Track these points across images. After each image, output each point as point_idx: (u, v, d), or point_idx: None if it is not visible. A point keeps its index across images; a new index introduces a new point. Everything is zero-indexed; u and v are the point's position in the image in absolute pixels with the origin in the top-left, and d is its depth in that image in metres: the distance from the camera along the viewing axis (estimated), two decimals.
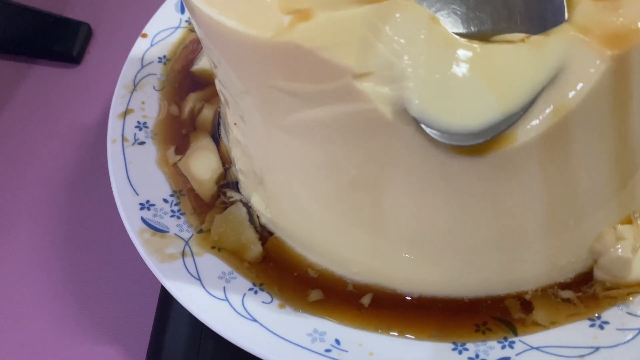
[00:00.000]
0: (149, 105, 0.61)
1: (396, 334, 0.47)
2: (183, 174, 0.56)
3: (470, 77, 0.39)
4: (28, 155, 0.69)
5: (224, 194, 0.55)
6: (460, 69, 0.40)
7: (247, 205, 0.54)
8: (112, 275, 0.60)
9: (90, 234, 0.62)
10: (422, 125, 0.39)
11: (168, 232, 0.52)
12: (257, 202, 0.53)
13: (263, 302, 0.49)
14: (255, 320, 0.47)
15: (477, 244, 0.46)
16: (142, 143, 0.58)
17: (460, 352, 0.45)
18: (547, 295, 0.47)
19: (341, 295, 0.49)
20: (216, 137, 0.59)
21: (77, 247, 0.62)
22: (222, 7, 0.42)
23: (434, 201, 0.44)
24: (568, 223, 0.46)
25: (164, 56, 0.64)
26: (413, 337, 0.46)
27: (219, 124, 0.60)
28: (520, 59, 0.40)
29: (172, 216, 0.54)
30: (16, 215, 0.64)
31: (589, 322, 0.46)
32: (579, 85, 0.40)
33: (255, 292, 0.49)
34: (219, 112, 0.60)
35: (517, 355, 0.45)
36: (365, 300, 0.49)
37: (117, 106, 0.60)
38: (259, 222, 0.54)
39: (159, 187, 0.55)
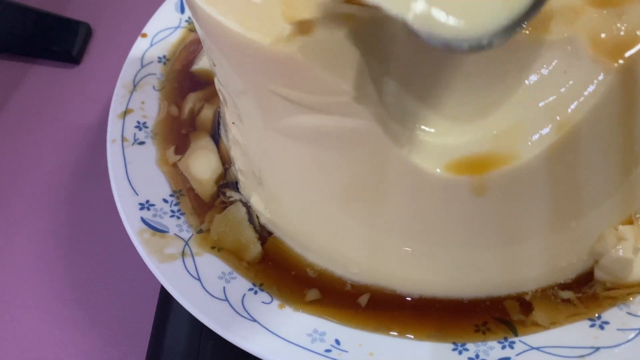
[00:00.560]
0: (149, 105, 0.61)
1: (396, 334, 0.47)
2: (183, 174, 0.56)
3: None
4: (28, 155, 0.69)
5: (224, 193, 0.55)
6: None
7: (246, 205, 0.54)
8: (112, 275, 0.59)
9: (90, 234, 0.62)
10: (424, 36, 0.36)
11: (168, 232, 0.52)
12: (256, 202, 0.53)
13: (263, 302, 0.49)
14: (255, 320, 0.47)
15: (477, 246, 0.46)
16: (142, 143, 0.58)
17: (460, 352, 0.45)
18: (547, 295, 0.47)
19: (339, 295, 0.49)
20: (216, 137, 0.59)
21: (77, 247, 0.62)
22: (223, 7, 0.42)
23: (430, 211, 0.44)
24: (570, 225, 0.46)
25: (164, 56, 0.64)
26: (413, 337, 0.46)
27: (218, 123, 0.60)
28: None
29: (171, 216, 0.54)
30: (16, 215, 0.64)
31: (589, 322, 0.46)
32: (584, 99, 0.39)
33: (255, 292, 0.49)
34: (219, 112, 0.60)
35: (517, 355, 0.45)
36: (363, 300, 0.49)
37: (116, 106, 0.60)
38: (259, 222, 0.54)
39: (158, 187, 0.55)
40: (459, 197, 0.42)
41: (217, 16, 0.42)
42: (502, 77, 0.41)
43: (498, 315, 0.47)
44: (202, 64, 0.63)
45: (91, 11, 0.79)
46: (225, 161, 0.57)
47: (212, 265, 0.51)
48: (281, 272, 0.51)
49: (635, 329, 0.45)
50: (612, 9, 0.40)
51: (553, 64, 0.40)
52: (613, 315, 0.45)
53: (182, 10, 0.66)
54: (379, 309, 0.48)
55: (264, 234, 0.53)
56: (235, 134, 0.52)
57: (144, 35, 0.64)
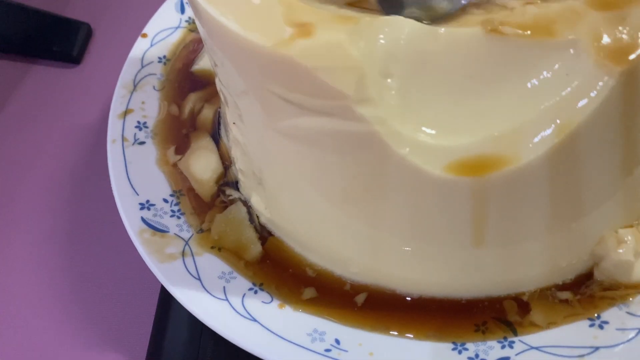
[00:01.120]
0: (149, 105, 0.61)
1: (396, 333, 0.47)
2: (183, 174, 0.56)
3: None
4: (28, 155, 0.69)
5: (224, 192, 0.55)
6: None
7: (246, 205, 0.54)
8: (112, 275, 0.59)
9: (90, 234, 0.62)
10: None
11: (168, 232, 0.52)
12: (256, 202, 0.53)
13: (263, 302, 0.49)
14: (255, 320, 0.47)
15: (477, 247, 0.46)
16: (142, 143, 0.58)
17: (460, 352, 0.45)
18: (545, 296, 0.47)
19: (336, 293, 0.49)
20: (216, 137, 0.59)
21: (77, 247, 0.62)
22: (224, 7, 0.42)
23: (430, 211, 0.44)
24: (570, 226, 0.46)
25: (164, 56, 0.64)
26: (413, 337, 0.47)
27: (219, 123, 0.60)
28: None
29: (172, 216, 0.54)
30: (16, 215, 0.64)
31: (588, 322, 0.46)
32: (587, 102, 0.39)
33: (255, 292, 0.49)
34: (219, 112, 0.60)
35: (516, 355, 0.45)
36: (360, 299, 0.49)
37: (117, 106, 0.60)
38: (259, 222, 0.54)
39: (158, 187, 0.55)
40: (459, 198, 0.42)
41: (219, 17, 0.42)
42: (504, 79, 0.41)
43: (497, 315, 0.47)
44: (202, 64, 0.63)
45: (91, 11, 0.79)
46: (226, 161, 0.57)
47: (212, 265, 0.51)
48: (281, 271, 0.51)
49: (634, 329, 0.45)
50: (615, 12, 0.40)
51: (555, 66, 0.40)
52: (612, 315, 0.45)
53: (182, 11, 0.66)
54: (378, 309, 0.48)
55: (264, 234, 0.53)
56: (235, 134, 0.52)
57: (144, 36, 0.64)
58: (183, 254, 0.51)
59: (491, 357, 0.45)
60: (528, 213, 0.44)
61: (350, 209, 0.47)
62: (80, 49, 0.75)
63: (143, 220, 0.53)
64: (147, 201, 0.54)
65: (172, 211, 0.54)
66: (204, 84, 0.62)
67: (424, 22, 0.41)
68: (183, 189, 0.56)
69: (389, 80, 0.40)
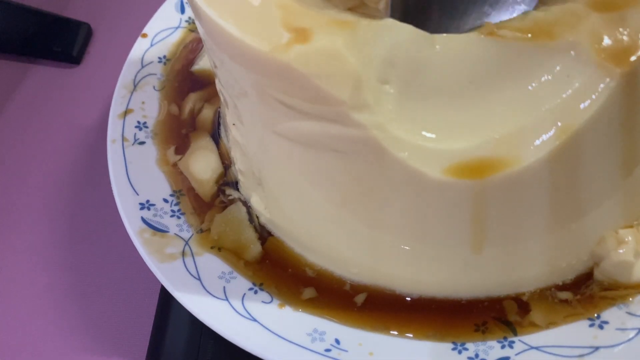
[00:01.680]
0: (149, 105, 0.61)
1: (396, 333, 0.47)
2: (183, 174, 0.56)
3: None
4: (28, 155, 0.69)
5: (223, 192, 0.55)
6: None
7: (246, 205, 0.54)
8: (112, 275, 0.59)
9: (91, 234, 0.62)
10: None
11: (168, 231, 0.52)
12: (256, 203, 0.53)
13: (263, 302, 0.49)
14: (255, 320, 0.47)
15: (476, 251, 0.46)
16: (142, 143, 0.58)
17: (460, 352, 0.45)
18: (545, 296, 0.47)
19: (336, 293, 0.49)
20: (216, 137, 0.59)
21: (77, 247, 0.62)
22: (223, 9, 0.42)
23: (430, 213, 0.44)
24: (570, 227, 0.46)
25: (164, 56, 0.64)
26: (413, 337, 0.47)
27: (219, 123, 0.60)
28: None
29: (172, 216, 0.54)
30: (16, 215, 0.64)
31: (588, 322, 0.46)
32: (588, 104, 0.39)
33: (255, 292, 0.49)
34: (219, 112, 0.60)
35: (516, 355, 0.45)
36: (359, 299, 0.49)
37: (117, 106, 0.60)
38: (258, 222, 0.54)
39: (159, 187, 0.55)
40: (459, 201, 0.42)
41: (217, 19, 0.42)
42: (504, 82, 0.41)
43: (497, 315, 0.47)
44: (202, 64, 0.63)
45: (91, 11, 0.79)
46: (226, 161, 0.57)
47: (212, 264, 0.51)
48: (281, 271, 0.51)
49: (634, 329, 0.45)
50: (615, 13, 0.40)
51: (556, 68, 0.40)
52: (612, 314, 0.46)
53: (183, 11, 0.66)
54: (378, 309, 0.48)
55: (263, 234, 0.53)
56: (235, 135, 0.52)
57: (144, 36, 0.64)
58: (183, 254, 0.51)
59: (491, 357, 0.45)
60: (528, 214, 0.44)
61: (350, 210, 0.47)
62: (80, 49, 0.75)
63: (143, 220, 0.53)
64: (147, 201, 0.54)
65: (172, 211, 0.54)
66: (204, 84, 0.62)
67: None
68: (183, 189, 0.56)
69: (386, 85, 0.40)
